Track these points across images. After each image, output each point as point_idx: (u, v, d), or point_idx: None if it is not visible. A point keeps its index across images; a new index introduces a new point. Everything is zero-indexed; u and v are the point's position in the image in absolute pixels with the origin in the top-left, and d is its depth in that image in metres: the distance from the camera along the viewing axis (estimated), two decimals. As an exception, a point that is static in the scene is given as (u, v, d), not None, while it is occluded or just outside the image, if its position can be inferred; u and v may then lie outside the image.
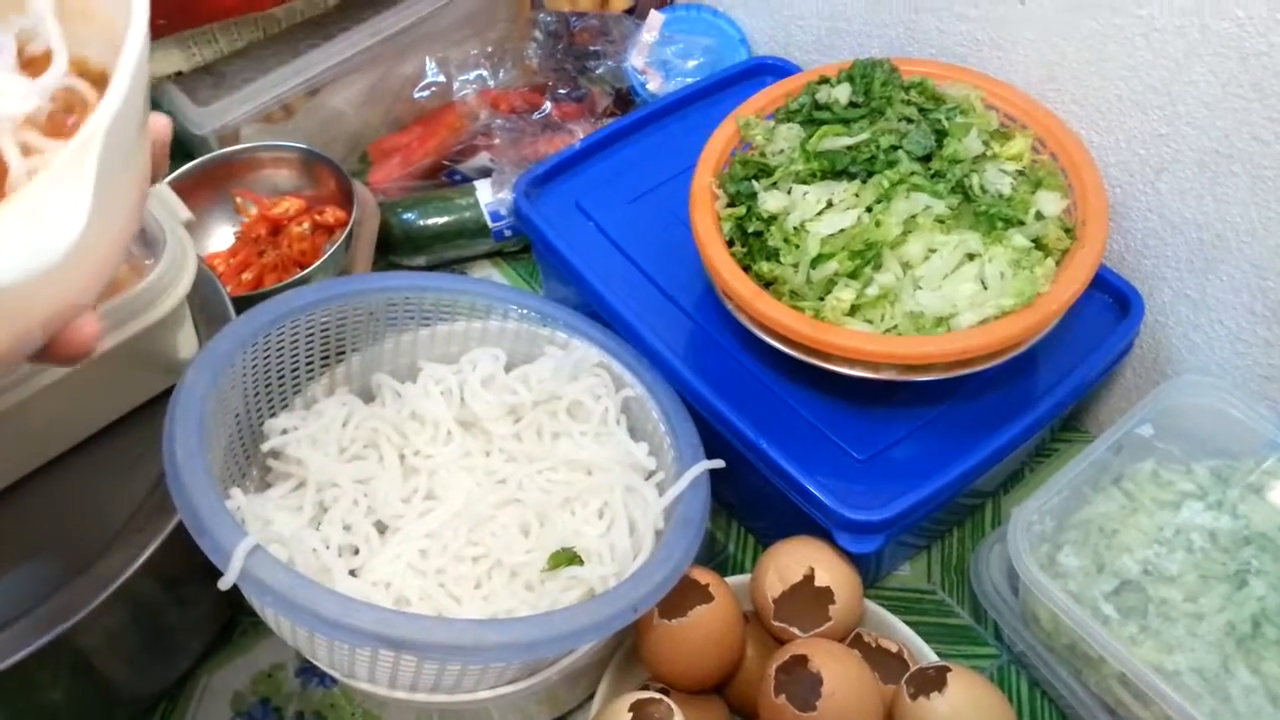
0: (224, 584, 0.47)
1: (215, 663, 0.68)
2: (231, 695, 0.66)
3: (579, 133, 0.82)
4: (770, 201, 0.62)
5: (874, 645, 0.59)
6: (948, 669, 0.52)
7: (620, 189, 0.77)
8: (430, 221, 0.87)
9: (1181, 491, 0.59)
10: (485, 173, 0.89)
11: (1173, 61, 0.60)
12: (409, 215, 0.87)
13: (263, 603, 0.48)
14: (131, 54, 0.30)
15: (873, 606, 0.62)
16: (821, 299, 0.59)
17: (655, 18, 0.87)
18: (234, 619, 0.69)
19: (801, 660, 0.52)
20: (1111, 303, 0.68)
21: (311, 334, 0.64)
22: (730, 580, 0.61)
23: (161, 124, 0.38)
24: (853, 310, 0.59)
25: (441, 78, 0.88)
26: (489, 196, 0.86)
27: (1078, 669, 0.57)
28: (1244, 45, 0.56)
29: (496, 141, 0.86)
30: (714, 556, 0.71)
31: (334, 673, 0.53)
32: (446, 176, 0.91)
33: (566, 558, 0.56)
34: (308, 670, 0.67)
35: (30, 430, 0.58)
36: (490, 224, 0.87)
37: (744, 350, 0.66)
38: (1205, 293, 0.65)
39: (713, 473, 0.61)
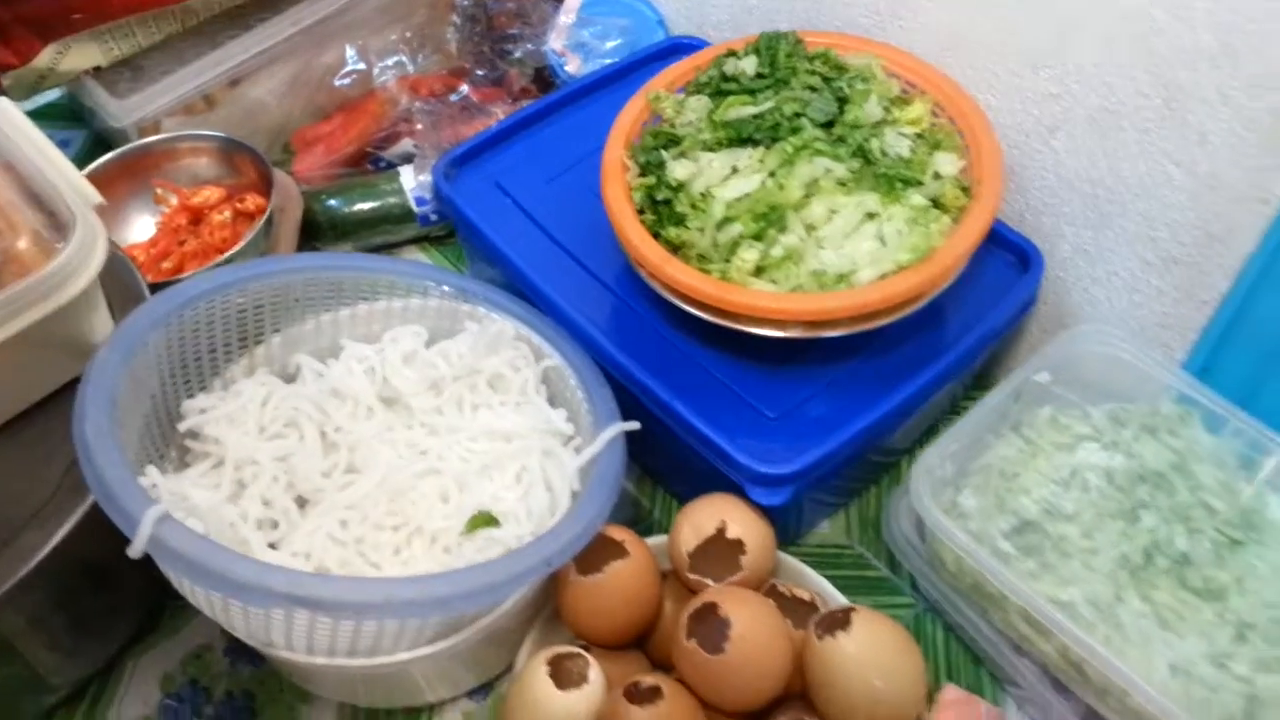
0: (133, 552, 0.47)
1: (144, 646, 0.68)
2: (161, 677, 0.67)
3: (499, 114, 0.83)
4: (678, 169, 0.63)
5: (788, 595, 0.60)
6: (853, 609, 0.54)
7: (540, 168, 0.78)
8: (355, 208, 0.87)
9: (1078, 434, 0.61)
10: (410, 159, 0.89)
11: (1061, 23, 0.63)
12: (333, 202, 0.87)
13: (175, 571, 0.49)
14: None
15: (788, 560, 0.63)
16: (728, 261, 0.60)
17: (573, 1, 0.88)
18: (161, 603, 0.69)
19: (712, 607, 0.54)
20: (1013, 260, 0.70)
21: (229, 315, 0.64)
22: (650, 541, 0.62)
23: None
24: (759, 271, 0.60)
25: (362, 65, 0.89)
26: (413, 181, 0.87)
27: (983, 609, 0.59)
28: (1123, 3, 0.59)
29: (419, 126, 0.86)
30: (639, 521, 0.72)
31: (252, 641, 0.54)
32: (371, 164, 0.92)
33: (484, 520, 0.57)
34: (235, 650, 0.68)
35: (-57, 416, 0.58)
36: (415, 209, 0.87)
37: (659, 318, 0.67)
38: (1101, 246, 0.67)
39: (635, 440, 0.63)
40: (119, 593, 0.65)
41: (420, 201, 0.87)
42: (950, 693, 0.58)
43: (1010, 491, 0.60)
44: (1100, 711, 0.56)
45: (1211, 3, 0.55)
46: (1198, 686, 0.52)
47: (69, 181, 0.60)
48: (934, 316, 0.66)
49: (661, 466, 0.73)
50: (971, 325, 0.66)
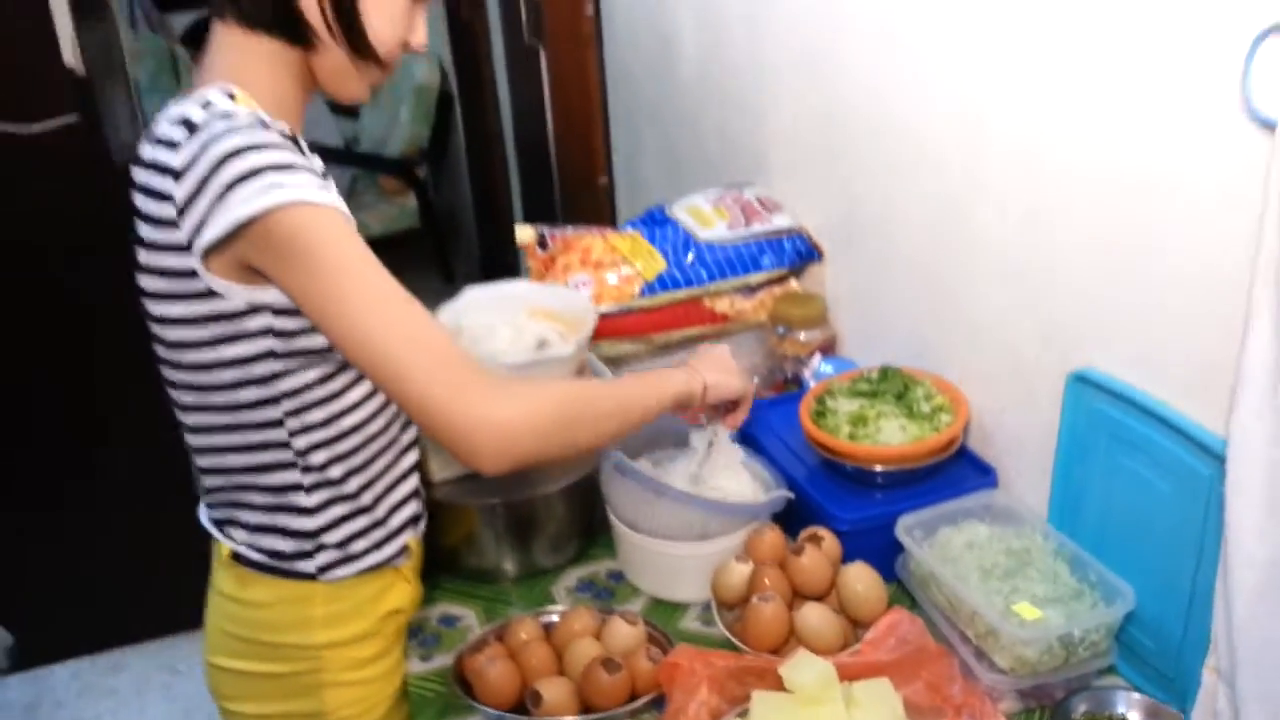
0: (606, 470, 1.41)
1: (573, 567, 1.58)
2: (575, 579, 1.56)
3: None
4: (830, 404, 1.56)
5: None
6: (858, 561, 1.35)
7: (788, 417, 1.71)
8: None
9: (985, 532, 1.40)
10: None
11: (984, 342, 1.50)
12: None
13: (625, 477, 1.42)
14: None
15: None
16: (844, 436, 1.50)
17: (817, 358, 1.86)
18: (586, 551, 1.60)
19: (800, 544, 1.37)
20: (983, 473, 1.52)
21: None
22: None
23: None
24: (852, 439, 1.49)
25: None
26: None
27: (932, 598, 1.36)
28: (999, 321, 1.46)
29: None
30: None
31: (626, 526, 1.44)
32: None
33: (724, 506, 1.46)
34: (612, 574, 1.56)
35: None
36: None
37: (815, 462, 1.56)
38: (1022, 465, 1.48)
39: (794, 512, 1.50)
40: (568, 541, 1.58)
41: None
42: (895, 608, 1.34)
43: (947, 548, 1.39)
44: (980, 646, 1.30)
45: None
46: (1014, 616, 1.27)
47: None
48: (938, 485, 1.49)
49: (797, 526, 1.56)
50: (953, 489, 1.48)
